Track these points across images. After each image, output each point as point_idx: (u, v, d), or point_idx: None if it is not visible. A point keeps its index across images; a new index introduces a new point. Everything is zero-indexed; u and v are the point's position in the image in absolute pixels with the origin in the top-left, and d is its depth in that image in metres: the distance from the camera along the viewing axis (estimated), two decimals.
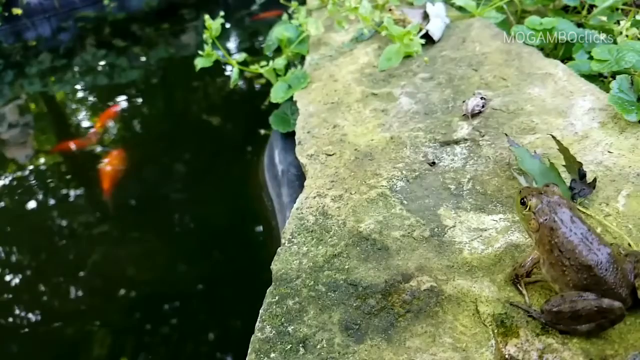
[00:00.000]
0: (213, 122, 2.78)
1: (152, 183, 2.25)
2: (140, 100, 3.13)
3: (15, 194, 2.25)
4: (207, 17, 1.59)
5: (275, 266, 0.96)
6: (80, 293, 1.70)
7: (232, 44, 3.76)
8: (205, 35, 1.61)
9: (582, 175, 0.88)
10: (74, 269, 1.79)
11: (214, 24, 1.60)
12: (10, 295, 1.72)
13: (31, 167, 2.44)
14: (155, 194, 2.16)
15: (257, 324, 0.86)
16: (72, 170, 2.48)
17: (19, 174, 2.38)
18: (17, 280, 1.79)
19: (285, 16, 1.99)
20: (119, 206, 2.10)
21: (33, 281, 1.78)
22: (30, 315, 1.64)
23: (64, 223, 2.08)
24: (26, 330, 1.59)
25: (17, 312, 1.64)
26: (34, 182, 2.32)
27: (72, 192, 2.26)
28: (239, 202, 1.96)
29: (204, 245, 1.82)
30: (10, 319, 1.62)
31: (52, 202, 2.19)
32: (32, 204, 2.17)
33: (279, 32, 1.75)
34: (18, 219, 2.11)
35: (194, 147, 2.45)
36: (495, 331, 0.74)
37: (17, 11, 4.05)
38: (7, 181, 2.33)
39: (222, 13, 1.65)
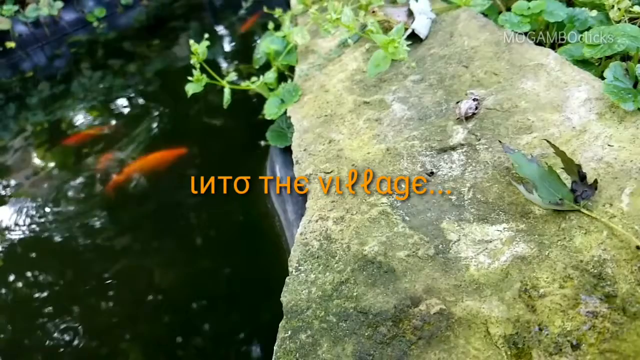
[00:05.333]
0: (216, 133, 2.77)
1: (159, 192, 2.27)
2: (141, 114, 3.13)
3: (27, 215, 2.29)
4: (191, 41, 1.57)
5: (285, 298, 0.96)
6: (110, 305, 1.75)
7: (226, 48, 3.74)
8: (193, 60, 1.59)
9: (583, 177, 0.86)
10: (101, 283, 1.83)
11: (200, 48, 1.59)
12: (44, 316, 1.76)
13: (41, 188, 2.48)
14: (166, 205, 2.18)
15: None
16: (85, 189, 2.50)
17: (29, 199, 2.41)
18: (48, 300, 1.83)
19: (271, 25, 1.97)
20: (133, 215, 2.15)
21: (63, 299, 1.82)
22: (65, 334, 1.68)
23: (85, 239, 2.10)
24: (61, 349, 1.63)
25: (52, 331, 1.69)
26: (46, 202, 2.35)
27: (90, 210, 2.29)
28: (248, 217, 1.96)
29: (218, 261, 1.83)
30: (46, 340, 1.66)
31: (67, 218, 2.22)
32: (49, 224, 2.21)
33: (266, 45, 1.73)
34: (38, 240, 2.15)
35: (199, 159, 2.45)
36: (508, 353, 0.73)
37: (11, 44, 4.07)
38: (21, 207, 2.36)
39: (206, 35, 1.64)
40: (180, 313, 1.67)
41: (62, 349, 1.63)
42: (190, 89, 1.61)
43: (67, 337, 1.67)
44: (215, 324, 1.62)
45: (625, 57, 1.23)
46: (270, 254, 1.74)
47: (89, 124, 3.12)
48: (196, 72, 1.60)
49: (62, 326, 1.71)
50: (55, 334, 1.69)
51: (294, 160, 1.30)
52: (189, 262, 1.86)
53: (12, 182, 2.66)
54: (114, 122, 3.05)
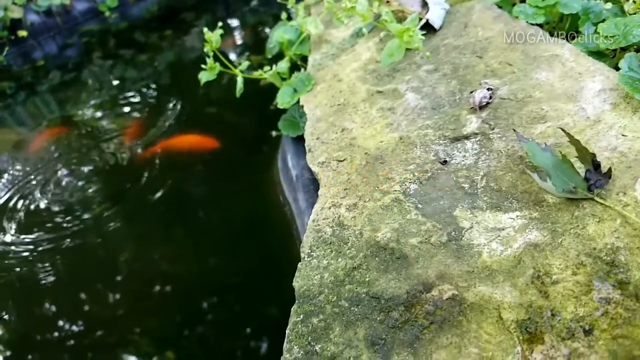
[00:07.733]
0: (227, 123, 2.78)
1: (171, 183, 2.28)
2: (153, 104, 3.15)
3: (31, 205, 2.31)
4: (205, 30, 1.58)
5: (297, 283, 0.97)
6: (117, 297, 1.76)
7: (237, 40, 3.75)
8: (206, 49, 1.60)
9: (597, 165, 0.86)
10: (109, 274, 1.85)
11: (213, 36, 1.60)
12: (50, 306, 1.78)
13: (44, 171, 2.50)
14: (176, 193, 2.19)
15: (285, 344, 0.88)
16: (93, 177, 2.52)
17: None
18: (53, 290, 1.85)
19: (284, 15, 1.97)
20: (142, 206, 2.16)
21: (70, 289, 1.83)
22: (72, 325, 1.70)
23: (93, 228, 2.11)
24: (71, 341, 1.65)
25: (58, 321, 1.71)
26: (50, 193, 2.37)
27: (97, 200, 2.30)
28: (258, 206, 1.97)
29: (227, 250, 1.84)
30: (53, 330, 1.68)
31: (74, 206, 2.24)
32: (54, 215, 2.22)
33: (279, 34, 1.74)
34: (44, 228, 2.16)
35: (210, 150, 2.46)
36: (520, 338, 0.74)
37: (23, 33, 4.10)
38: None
39: (220, 24, 1.65)
40: (189, 303, 1.68)
41: (68, 340, 1.64)
42: (204, 77, 1.62)
43: (73, 328, 1.68)
44: (224, 313, 1.64)
45: None
46: (280, 243, 1.75)
47: (92, 114, 3.14)
48: (209, 61, 1.61)
49: (69, 316, 1.72)
50: (62, 325, 1.70)
51: (307, 149, 1.31)
52: (197, 251, 1.87)
53: (16, 172, 2.68)
54: (123, 112, 3.06)
